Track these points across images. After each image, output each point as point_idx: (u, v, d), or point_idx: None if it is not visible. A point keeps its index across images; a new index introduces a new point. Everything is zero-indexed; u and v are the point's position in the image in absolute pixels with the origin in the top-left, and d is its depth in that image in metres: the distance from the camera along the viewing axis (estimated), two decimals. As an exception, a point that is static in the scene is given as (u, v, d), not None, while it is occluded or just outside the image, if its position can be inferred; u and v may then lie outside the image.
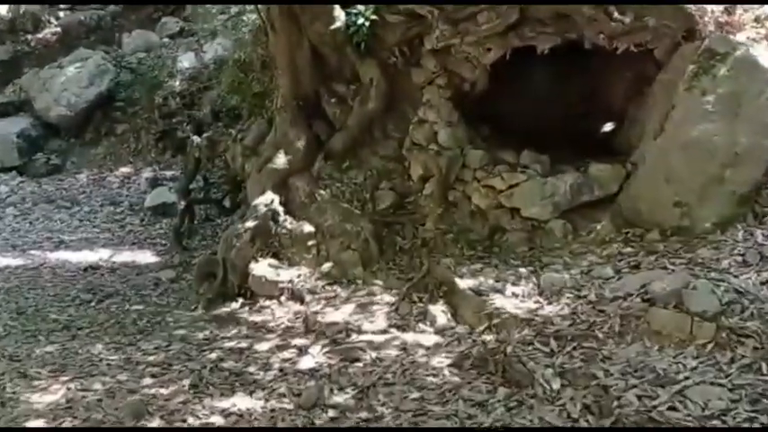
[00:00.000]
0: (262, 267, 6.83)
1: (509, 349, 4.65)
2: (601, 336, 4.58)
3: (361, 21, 7.09)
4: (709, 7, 6.72)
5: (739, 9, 7.11)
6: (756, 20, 7.09)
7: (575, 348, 4.55)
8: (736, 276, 4.66)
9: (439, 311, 5.62)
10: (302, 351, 5.43)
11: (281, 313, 6.38)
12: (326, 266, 6.74)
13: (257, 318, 6.41)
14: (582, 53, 7.56)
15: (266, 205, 7.10)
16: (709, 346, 4.17)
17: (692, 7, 6.39)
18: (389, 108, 7.53)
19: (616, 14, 5.81)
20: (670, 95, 6.42)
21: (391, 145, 7.62)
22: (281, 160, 7.34)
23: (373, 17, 7.07)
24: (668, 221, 5.99)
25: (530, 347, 4.69)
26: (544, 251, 6.28)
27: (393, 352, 5.17)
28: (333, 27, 7.12)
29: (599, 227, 6.30)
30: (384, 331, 5.58)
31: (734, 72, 5.80)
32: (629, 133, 7.65)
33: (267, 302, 6.60)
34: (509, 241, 6.56)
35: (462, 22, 6.64)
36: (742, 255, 4.92)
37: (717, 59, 5.96)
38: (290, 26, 7.26)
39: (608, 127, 8.99)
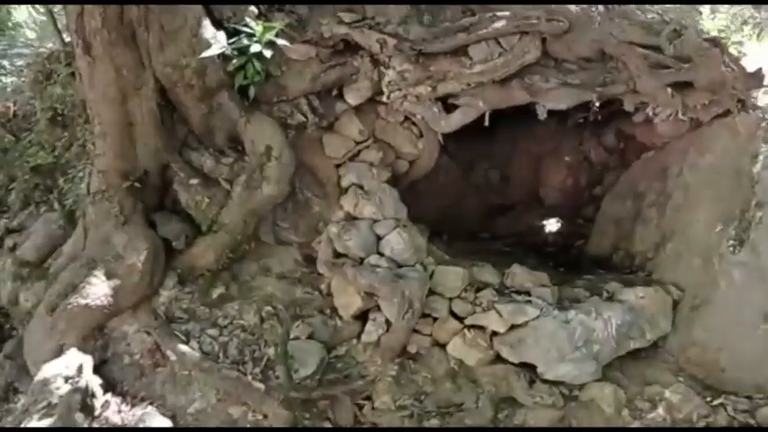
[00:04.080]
0: None
1: None
2: None
3: (255, 49, 4.14)
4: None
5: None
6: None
7: None
8: None
9: None
10: None
11: None
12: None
13: None
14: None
15: (69, 379, 3.63)
16: None
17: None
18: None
19: (728, 59, 3.63)
20: (723, 188, 4.41)
21: (292, 255, 4.63)
22: (97, 288, 3.93)
23: (278, 41, 4.16)
24: (784, 384, 3.81)
25: None
26: (599, 445, 3.70)
27: None
28: (202, 57, 4.08)
29: (668, 394, 3.91)
30: None
31: None
32: (615, 238, 5.55)
33: None
34: (527, 422, 3.87)
35: (438, 60, 4.04)
36: None
37: (818, 138, 4.07)
38: (123, 51, 4.05)
39: (553, 226, 6.94)
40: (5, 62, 7.75)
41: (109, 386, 3.85)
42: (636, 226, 5.27)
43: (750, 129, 4.38)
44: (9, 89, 6.67)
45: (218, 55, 4.19)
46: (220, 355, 3.92)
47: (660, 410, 3.85)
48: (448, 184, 7.52)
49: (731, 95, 4.13)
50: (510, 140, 7.63)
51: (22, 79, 5.93)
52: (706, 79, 3.90)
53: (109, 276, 3.95)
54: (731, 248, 4.07)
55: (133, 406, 3.77)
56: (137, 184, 4.20)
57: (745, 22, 5.27)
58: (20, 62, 7.41)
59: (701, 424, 3.71)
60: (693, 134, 4.88)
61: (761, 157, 4.17)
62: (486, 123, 4.43)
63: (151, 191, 4.37)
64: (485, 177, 7.88)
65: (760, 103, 4.61)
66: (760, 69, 4.31)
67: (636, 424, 3.81)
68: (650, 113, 4.34)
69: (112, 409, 3.71)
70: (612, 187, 6.02)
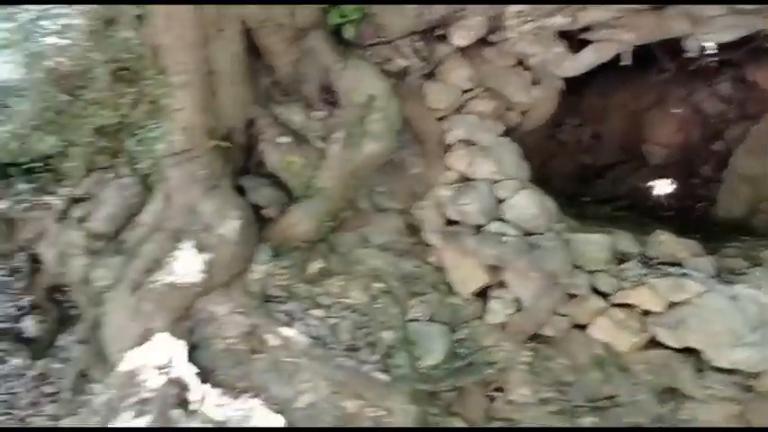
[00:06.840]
0: None
1: None
2: None
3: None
4: None
5: None
6: None
7: None
8: None
9: None
10: None
11: None
12: None
13: None
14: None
15: (160, 369, 3.10)
16: None
17: None
18: (386, 155, 3.96)
19: None
20: None
21: (393, 223, 4.03)
22: (187, 264, 3.38)
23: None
24: None
25: None
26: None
27: None
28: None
29: None
30: None
31: None
32: (752, 199, 4.85)
33: None
34: (697, 418, 3.25)
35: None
36: None
37: None
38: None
39: (665, 187, 6.21)
40: (46, 22, 7.21)
41: (201, 376, 3.33)
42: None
43: None
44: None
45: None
46: (326, 337, 3.35)
47: None
48: (532, 142, 6.83)
49: None
50: (601, 94, 6.89)
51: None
52: None
53: (199, 249, 3.39)
54: None
55: (232, 398, 3.24)
56: (224, 143, 3.62)
57: None
58: (63, 21, 6.86)
59: None
60: None
61: None
62: (629, 62, 3.72)
63: (236, 151, 3.79)
64: (574, 135, 7.16)
65: None
66: None
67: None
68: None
69: (211, 403, 3.19)
70: (740, 142, 5.28)
